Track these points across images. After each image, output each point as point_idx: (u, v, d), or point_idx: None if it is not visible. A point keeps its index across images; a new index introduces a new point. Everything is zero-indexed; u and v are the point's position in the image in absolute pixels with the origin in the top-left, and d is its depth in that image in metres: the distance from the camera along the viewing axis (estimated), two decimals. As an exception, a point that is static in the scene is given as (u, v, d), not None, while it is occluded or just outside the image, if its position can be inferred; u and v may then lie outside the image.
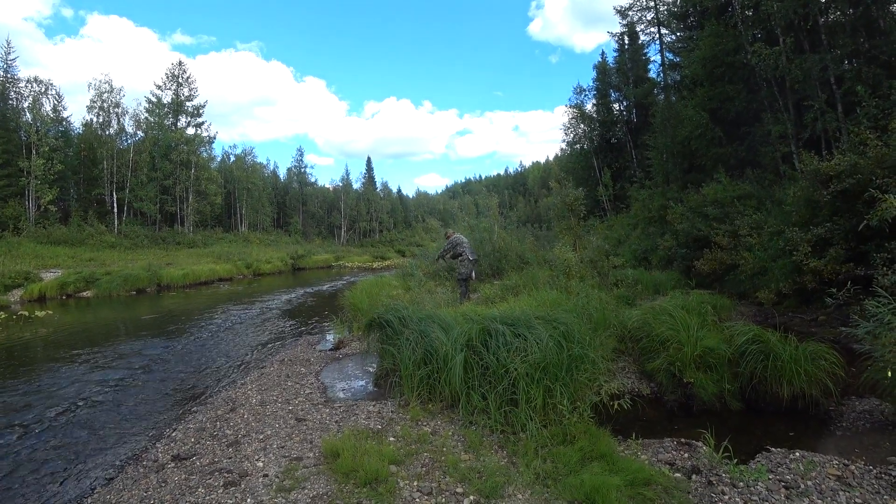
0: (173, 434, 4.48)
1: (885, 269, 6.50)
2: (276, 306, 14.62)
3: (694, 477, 3.32)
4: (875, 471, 3.37)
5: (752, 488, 3.13)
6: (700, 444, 3.86)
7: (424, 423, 4.13)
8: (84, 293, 19.10)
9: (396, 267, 21.41)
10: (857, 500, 3.01)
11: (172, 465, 3.76)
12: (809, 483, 3.21)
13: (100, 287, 19.29)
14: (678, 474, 3.37)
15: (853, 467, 3.43)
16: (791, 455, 3.69)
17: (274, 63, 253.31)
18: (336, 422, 4.36)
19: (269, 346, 8.86)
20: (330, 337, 9.08)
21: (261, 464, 3.56)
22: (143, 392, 6.17)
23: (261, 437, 4.09)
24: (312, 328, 10.56)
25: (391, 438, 3.81)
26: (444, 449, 3.61)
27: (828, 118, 12.39)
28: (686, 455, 3.74)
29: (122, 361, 7.82)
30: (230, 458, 3.72)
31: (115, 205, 34.47)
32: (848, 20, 12.93)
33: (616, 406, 4.19)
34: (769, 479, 3.27)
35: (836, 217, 8.68)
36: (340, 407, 4.77)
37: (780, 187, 12.97)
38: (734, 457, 3.50)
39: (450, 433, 3.89)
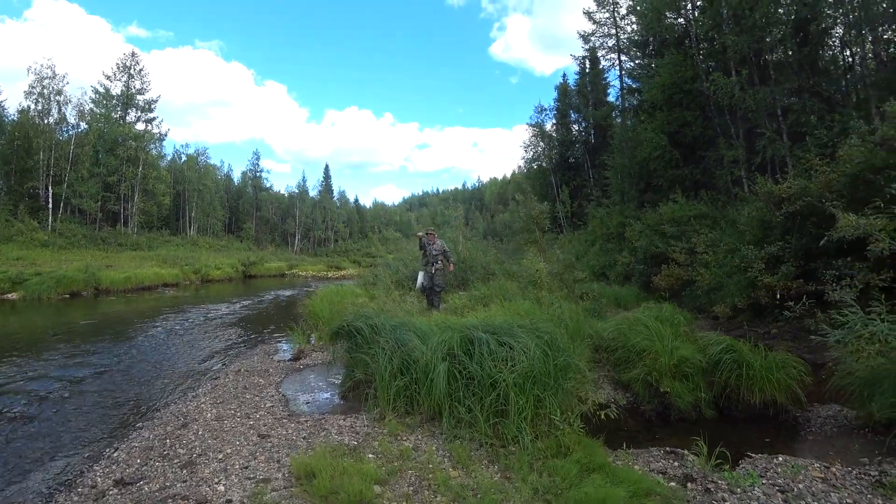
0: (115, 454, 3.91)
1: (834, 284, 6.83)
2: (226, 314, 13.76)
3: (689, 485, 3.30)
4: (854, 472, 3.49)
5: (749, 493, 3.15)
6: (684, 451, 3.91)
7: (404, 438, 3.82)
8: (9, 295, 17.40)
9: (357, 276, 20.79)
10: (847, 500, 3.09)
11: (115, 491, 3.24)
12: (801, 486, 3.27)
13: (28, 289, 17.61)
14: (673, 483, 3.31)
15: (834, 469, 3.54)
16: (775, 460, 3.77)
17: (234, 64, 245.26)
18: (304, 438, 3.96)
19: (222, 355, 8.22)
20: (288, 347, 8.54)
21: (222, 487, 3.12)
22: (77, 407, 5.46)
23: (220, 456, 3.63)
24: (268, 338, 9.95)
25: (370, 455, 3.47)
26: (431, 465, 3.33)
27: (777, 146, 13.19)
28: (676, 464, 3.74)
29: (54, 372, 6.99)
30: (185, 481, 3.25)
31: (51, 200, 31.67)
32: (794, 59, 13.93)
33: (602, 416, 4.07)
34: (763, 483, 3.31)
35: (787, 236, 9.14)
36: (307, 421, 4.37)
37: (734, 208, 13.63)
38: (716, 464, 3.51)
39: (434, 448, 3.61)
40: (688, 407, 4.99)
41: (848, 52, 14.07)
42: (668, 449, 4.06)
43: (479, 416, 3.67)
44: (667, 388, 5.16)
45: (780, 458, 3.78)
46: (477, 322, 4.74)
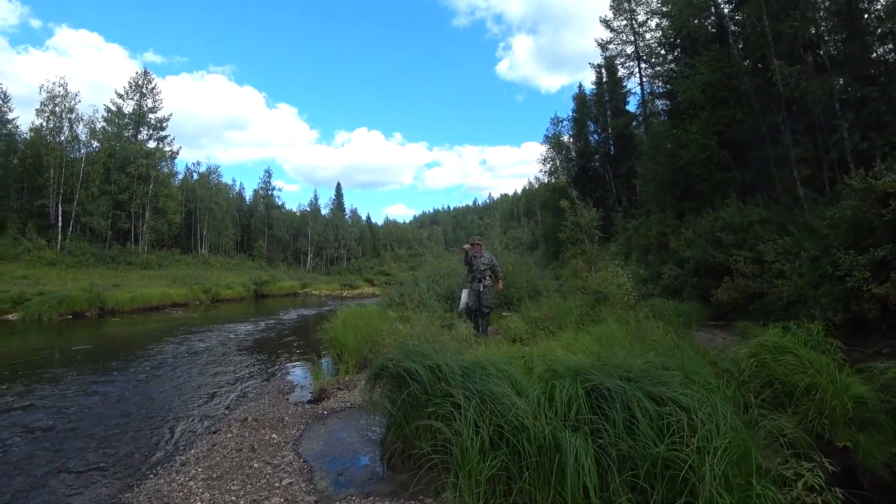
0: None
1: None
2: (236, 338, 12.35)
3: None
4: None
5: None
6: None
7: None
8: (8, 316, 16.42)
9: (380, 295, 19.28)
10: None
11: None
12: None
13: (28, 309, 16.60)
14: None
15: None
16: None
17: (247, 88, 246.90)
18: (345, 556, 2.46)
19: (227, 393, 6.76)
20: (306, 382, 7.08)
21: None
22: (21, 479, 4.02)
23: None
24: (281, 369, 8.49)
25: None
26: None
27: (854, 138, 11.65)
28: None
29: (9, 418, 5.58)
30: None
31: (60, 218, 30.89)
32: (852, 48, 12.50)
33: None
34: None
35: (901, 236, 7.60)
36: (346, 516, 2.87)
37: (802, 211, 12.09)
38: None
39: None
40: (878, 467, 3.58)
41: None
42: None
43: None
44: (846, 442, 3.71)
45: None
46: (588, 362, 3.21)
